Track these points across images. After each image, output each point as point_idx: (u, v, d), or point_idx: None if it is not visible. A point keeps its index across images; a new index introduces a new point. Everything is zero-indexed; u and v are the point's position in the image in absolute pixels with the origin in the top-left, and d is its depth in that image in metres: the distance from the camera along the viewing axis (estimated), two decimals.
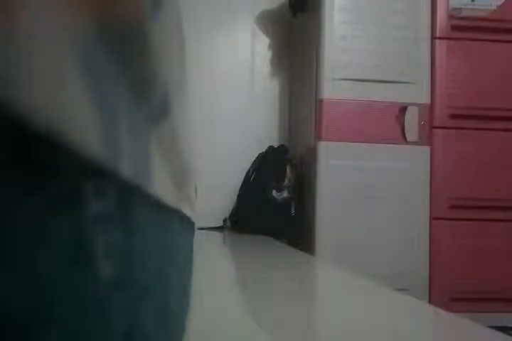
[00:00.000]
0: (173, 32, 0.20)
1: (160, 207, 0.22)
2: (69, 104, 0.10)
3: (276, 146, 2.15)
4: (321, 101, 1.81)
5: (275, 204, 1.93)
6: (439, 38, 1.86)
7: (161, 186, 0.20)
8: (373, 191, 1.79)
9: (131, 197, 0.16)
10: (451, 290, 1.77)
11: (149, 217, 0.20)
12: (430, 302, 1.70)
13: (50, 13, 0.10)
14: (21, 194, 0.10)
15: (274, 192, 1.94)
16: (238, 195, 2.08)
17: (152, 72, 0.17)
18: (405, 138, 1.81)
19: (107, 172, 0.13)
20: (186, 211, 0.29)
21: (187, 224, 0.31)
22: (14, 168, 0.10)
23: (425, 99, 1.83)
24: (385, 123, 1.81)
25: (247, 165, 2.09)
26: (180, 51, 0.22)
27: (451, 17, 1.86)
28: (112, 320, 0.15)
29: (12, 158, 0.10)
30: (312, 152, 1.84)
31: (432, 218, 1.81)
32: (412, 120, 1.81)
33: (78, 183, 0.12)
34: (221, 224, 2.12)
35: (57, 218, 0.11)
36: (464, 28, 1.86)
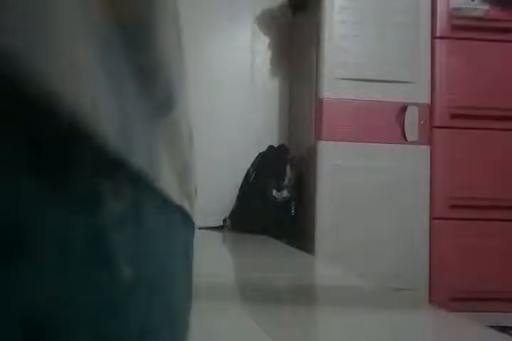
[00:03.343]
0: (173, 27, 0.20)
1: (167, 204, 0.22)
2: (90, 97, 0.10)
3: (276, 146, 2.15)
4: (321, 101, 1.81)
5: (275, 204, 1.93)
6: (439, 38, 1.86)
7: (167, 181, 0.20)
8: (373, 191, 1.78)
9: (143, 195, 0.17)
10: (451, 290, 1.77)
11: (158, 215, 0.20)
12: (430, 302, 1.70)
13: (70, 4, 0.10)
14: (42, 191, 0.10)
15: (274, 191, 1.94)
16: (238, 195, 2.08)
17: (157, 66, 0.17)
18: (405, 138, 1.81)
19: (122, 169, 0.13)
20: (188, 209, 0.29)
21: (189, 222, 0.32)
22: (35, 163, 0.10)
23: (425, 99, 1.83)
24: (385, 123, 1.81)
25: (247, 165, 2.09)
26: (179, 49, 0.23)
27: (451, 17, 1.86)
28: (130, 318, 0.15)
29: (33, 151, 0.09)
30: (312, 152, 1.84)
31: (432, 218, 1.81)
32: (412, 120, 1.81)
33: (97, 180, 0.12)
34: (221, 223, 2.12)
35: (78, 216, 0.11)
36: (464, 28, 1.86)
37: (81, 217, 0.11)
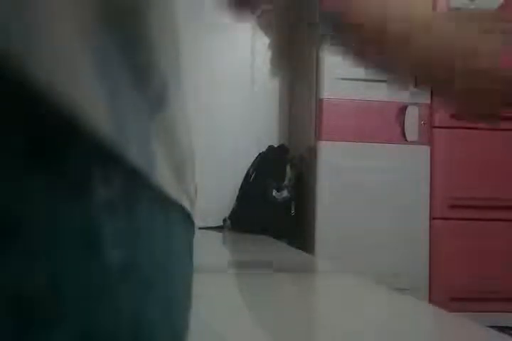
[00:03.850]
0: (168, 26, 0.20)
1: (163, 198, 0.22)
2: (83, 88, 0.11)
3: (276, 146, 2.15)
4: (321, 101, 1.81)
5: (275, 204, 1.93)
6: None
7: (163, 177, 0.20)
8: (373, 191, 1.78)
9: (136, 186, 0.17)
10: (451, 290, 1.77)
11: (153, 207, 0.20)
12: (430, 302, 1.70)
13: (66, 3, 0.10)
14: (35, 178, 0.10)
15: (274, 192, 1.94)
16: (238, 195, 2.08)
17: (152, 61, 0.17)
18: (405, 138, 1.81)
19: (115, 160, 0.13)
20: (188, 208, 0.29)
21: (189, 221, 0.31)
22: (29, 151, 0.10)
23: (425, 99, 1.83)
24: (385, 123, 1.81)
25: (247, 165, 2.09)
26: (176, 46, 0.23)
27: None
28: (120, 306, 0.15)
29: (27, 140, 0.10)
30: (312, 152, 1.84)
31: (432, 218, 1.81)
32: (412, 120, 1.81)
33: (88, 170, 0.12)
34: (221, 223, 2.12)
35: (68, 204, 0.11)
36: None
37: (74, 206, 0.11)
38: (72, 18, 0.10)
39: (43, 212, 0.10)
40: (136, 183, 0.16)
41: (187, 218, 0.30)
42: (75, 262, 0.12)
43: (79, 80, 0.11)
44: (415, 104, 1.82)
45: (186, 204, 0.28)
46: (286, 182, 1.96)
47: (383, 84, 1.86)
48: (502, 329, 1.50)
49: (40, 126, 0.10)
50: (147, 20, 0.16)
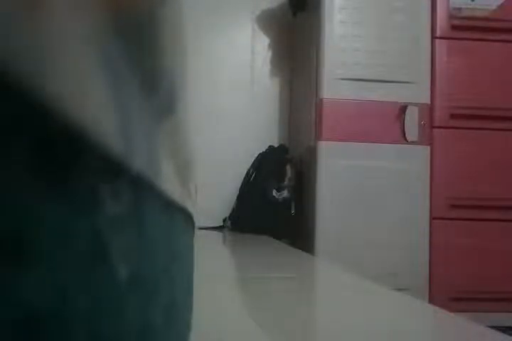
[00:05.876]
0: (177, 28, 0.20)
1: (168, 205, 0.22)
2: (90, 98, 0.11)
3: (276, 146, 2.15)
4: (321, 101, 1.81)
5: (275, 204, 1.93)
6: (439, 38, 1.86)
7: (168, 183, 0.20)
8: (373, 191, 1.79)
9: (143, 196, 0.17)
10: (451, 290, 1.77)
11: (159, 216, 0.20)
12: (430, 302, 1.70)
13: (73, 9, 0.10)
14: (42, 193, 0.10)
15: (274, 192, 1.94)
16: (238, 195, 2.08)
17: (160, 67, 0.17)
18: (405, 138, 1.81)
19: (122, 171, 0.13)
20: (189, 208, 0.29)
21: (190, 222, 0.32)
22: (35, 165, 0.10)
23: (425, 99, 1.83)
24: (385, 123, 1.81)
25: (247, 165, 2.09)
26: (183, 48, 0.23)
27: (451, 17, 1.86)
28: (127, 318, 0.15)
29: (33, 154, 0.09)
30: (312, 152, 1.84)
31: (432, 218, 1.81)
32: (412, 120, 1.81)
33: (96, 183, 0.12)
34: (221, 224, 2.12)
35: (76, 218, 0.11)
36: (464, 28, 1.86)
37: (80, 219, 0.11)
38: (80, 27, 0.10)
39: (50, 227, 0.10)
40: (143, 194, 0.16)
41: (188, 219, 0.30)
42: (83, 277, 0.11)
43: (87, 91, 0.10)
44: (415, 104, 1.82)
45: (188, 205, 0.28)
46: (286, 182, 1.96)
47: (383, 84, 1.87)
48: (502, 329, 1.50)
49: (45, 139, 0.10)
50: (160, 30, 0.16)
